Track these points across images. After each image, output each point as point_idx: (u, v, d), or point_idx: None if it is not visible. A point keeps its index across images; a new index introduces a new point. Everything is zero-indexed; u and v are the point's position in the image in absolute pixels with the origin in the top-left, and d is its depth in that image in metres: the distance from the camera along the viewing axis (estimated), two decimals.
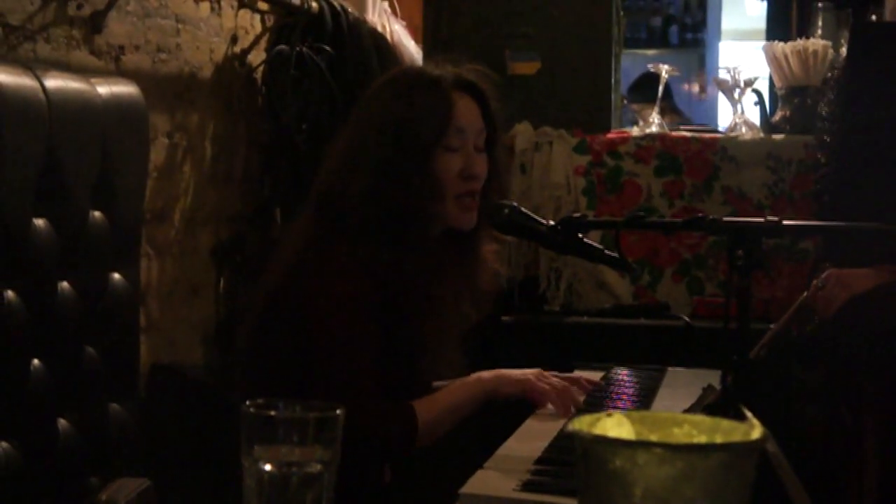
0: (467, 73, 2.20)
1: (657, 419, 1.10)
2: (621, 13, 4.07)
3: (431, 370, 2.23)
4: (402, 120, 2.12)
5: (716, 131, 3.87)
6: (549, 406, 2.17)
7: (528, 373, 2.20)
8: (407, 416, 2.02)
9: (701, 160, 3.69)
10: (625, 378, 2.55)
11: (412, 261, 2.09)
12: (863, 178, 2.81)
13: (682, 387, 2.36)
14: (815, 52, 3.68)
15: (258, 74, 3.61)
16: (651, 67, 4.22)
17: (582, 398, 2.25)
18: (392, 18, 4.27)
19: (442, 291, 2.14)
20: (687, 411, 1.86)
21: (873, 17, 3.27)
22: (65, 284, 2.02)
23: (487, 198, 2.18)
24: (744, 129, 3.78)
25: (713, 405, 1.72)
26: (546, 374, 2.26)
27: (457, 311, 2.19)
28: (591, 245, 1.97)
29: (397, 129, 2.11)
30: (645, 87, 5.64)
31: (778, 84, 3.82)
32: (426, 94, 2.15)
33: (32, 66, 2.01)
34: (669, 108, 6.45)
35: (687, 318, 3.36)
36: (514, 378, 2.17)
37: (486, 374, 2.17)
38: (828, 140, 3.03)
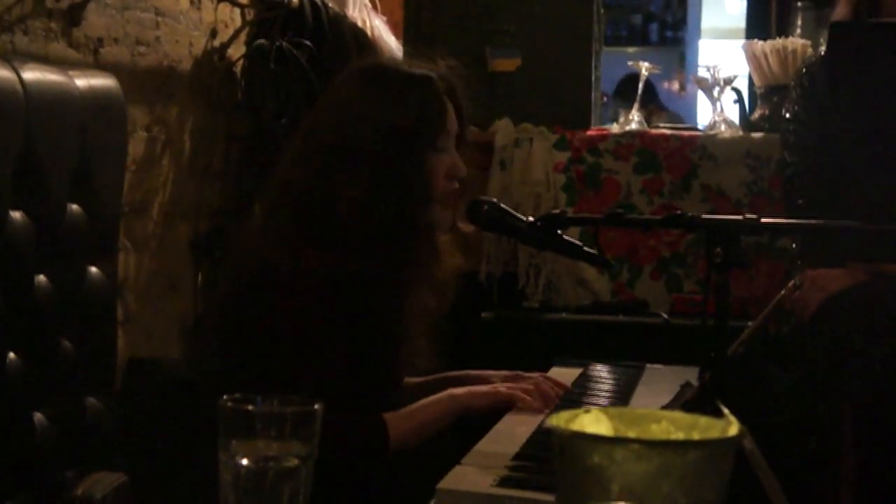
0: (448, 73, 2.19)
1: (635, 416, 1.10)
2: (602, 10, 4.08)
3: (400, 363, 2.23)
4: (401, 119, 2.08)
5: (695, 129, 3.88)
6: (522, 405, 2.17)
7: (497, 385, 2.20)
8: (378, 430, 2.01)
9: (680, 158, 3.70)
10: (603, 375, 2.55)
11: (381, 264, 2.08)
12: (841, 178, 2.82)
13: (660, 384, 2.36)
14: (794, 51, 3.69)
15: (238, 68, 3.60)
16: (631, 65, 4.23)
17: (556, 392, 2.24)
18: (373, 14, 4.26)
19: (405, 288, 2.13)
20: (665, 408, 1.86)
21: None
22: (42, 277, 2.00)
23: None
24: (723, 128, 3.79)
25: (691, 402, 1.72)
26: (519, 375, 2.27)
27: (419, 303, 2.18)
28: (570, 242, 1.97)
29: (395, 129, 2.08)
30: (631, 90, 5.66)
31: (757, 83, 3.84)
32: (421, 93, 2.12)
33: (10, 58, 2.00)
34: (657, 108, 6.46)
35: (665, 316, 3.38)
36: (483, 392, 2.15)
37: (457, 390, 2.16)
38: (792, 140, 3.03)
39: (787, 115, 3.09)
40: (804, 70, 3.07)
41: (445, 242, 2.25)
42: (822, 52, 3.09)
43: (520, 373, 2.35)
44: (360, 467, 2.05)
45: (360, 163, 2.07)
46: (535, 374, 2.35)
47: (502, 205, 2.03)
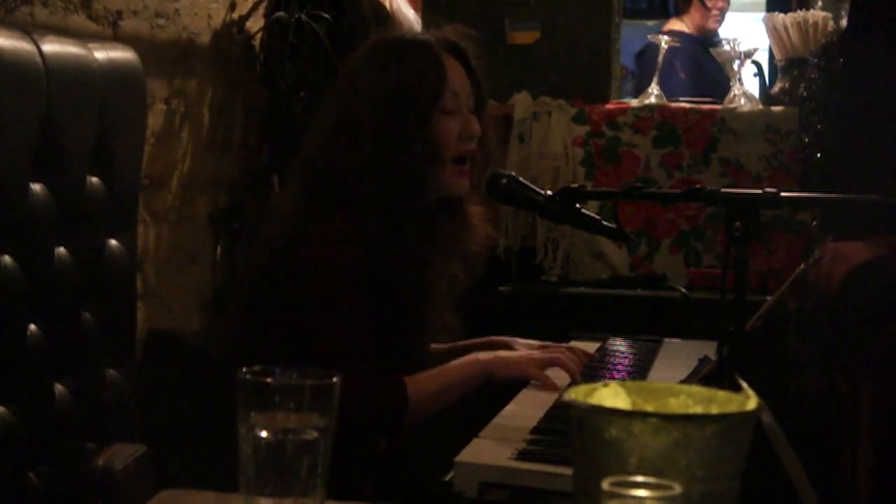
0: (450, 35, 2.20)
1: (653, 389, 1.10)
2: None
3: (426, 335, 2.23)
4: (398, 86, 2.10)
5: (715, 102, 3.86)
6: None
7: (526, 356, 2.19)
8: (397, 391, 2.01)
9: (699, 131, 3.69)
10: (621, 349, 2.55)
11: (406, 230, 2.08)
12: (860, 152, 2.80)
13: (678, 358, 2.36)
14: (815, 24, 3.67)
15: (256, 41, 3.60)
16: (651, 38, 4.21)
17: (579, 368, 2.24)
18: None
19: (433, 257, 2.14)
20: (683, 382, 1.87)
21: None
22: (62, 250, 2.01)
23: (476, 163, 2.18)
24: (743, 101, 3.77)
25: (709, 376, 1.72)
26: (545, 349, 2.26)
27: (447, 275, 2.19)
28: (588, 215, 1.96)
29: (393, 97, 2.09)
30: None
31: (777, 56, 3.82)
32: (418, 58, 2.13)
33: (30, 30, 2.00)
34: None
35: (684, 290, 3.37)
36: (511, 361, 2.14)
37: (483, 355, 2.15)
38: (810, 120, 3.01)
39: (805, 94, 3.07)
40: (822, 47, 3.05)
41: (478, 215, 2.26)
42: (842, 26, 3.06)
43: (548, 343, 2.35)
44: (377, 430, 2.06)
45: (361, 133, 2.09)
46: (562, 346, 2.35)
47: (521, 178, 2.03)
